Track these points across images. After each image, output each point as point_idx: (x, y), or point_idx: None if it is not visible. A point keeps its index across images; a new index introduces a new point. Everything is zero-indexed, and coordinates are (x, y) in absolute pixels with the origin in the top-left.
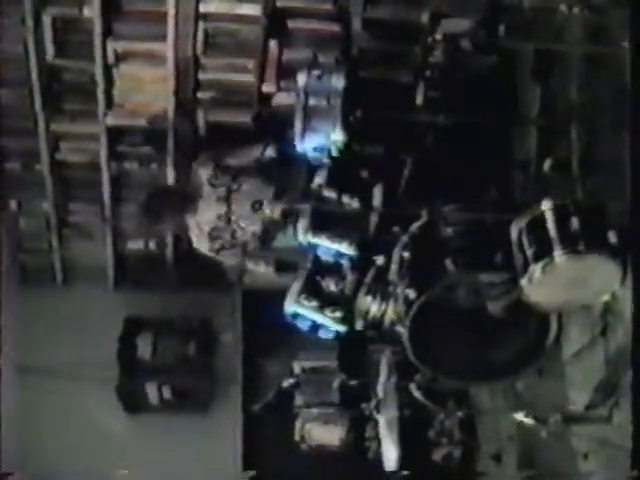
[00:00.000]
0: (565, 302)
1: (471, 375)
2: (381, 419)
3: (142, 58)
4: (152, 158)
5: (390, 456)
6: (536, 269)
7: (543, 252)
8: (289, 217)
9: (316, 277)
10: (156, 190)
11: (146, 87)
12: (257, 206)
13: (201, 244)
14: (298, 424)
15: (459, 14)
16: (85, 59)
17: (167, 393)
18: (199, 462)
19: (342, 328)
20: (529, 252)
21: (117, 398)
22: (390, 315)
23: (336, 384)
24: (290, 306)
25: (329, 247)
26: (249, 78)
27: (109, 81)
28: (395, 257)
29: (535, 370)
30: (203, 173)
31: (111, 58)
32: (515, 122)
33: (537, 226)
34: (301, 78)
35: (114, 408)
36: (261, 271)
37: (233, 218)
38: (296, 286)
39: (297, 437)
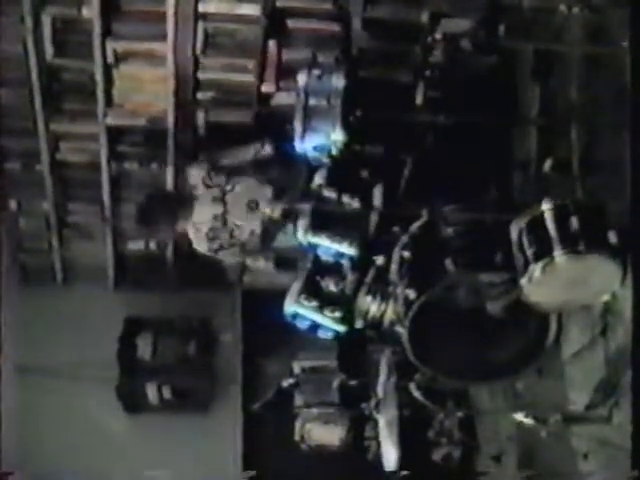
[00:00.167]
0: (565, 302)
1: (471, 375)
2: (381, 419)
3: (142, 58)
4: (152, 158)
5: (390, 456)
6: (536, 269)
7: (543, 252)
8: (289, 217)
9: (316, 277)
10: (150, 196)
11: (146, 87)
12: (253, 206)
13: (200, 245)
14: (298, 424)
15: (459, 14)
16: (85, 59)
17: (167, 393)
18: (199, 462)
19: (342, 328)
20: (529, 252)
21: (117, 398)
22: (390, 315)
23: (336, 384)
24: (290, 306)
25: (329, 247)
26: (249, 78)
27: (109, 81)
28: (395, 257)
29: (535, 370)
30: (198, 174)
31: (111, 58)
32: (515, 122)
33: (537, 226)
34: (301, 78)
35: (114, 408)
36: (261, 267)
37: (230, 218)
38: (296, 286)
39: (297, 437)
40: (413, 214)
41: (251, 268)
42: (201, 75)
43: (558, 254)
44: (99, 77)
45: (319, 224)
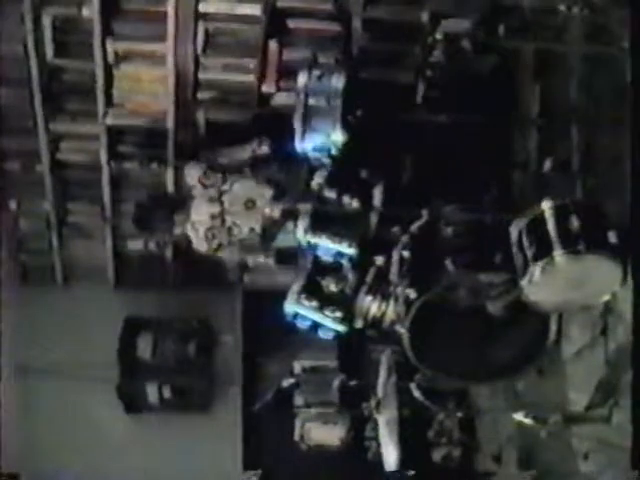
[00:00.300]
0: (565, 302)
1: (471, 375)
2: (381, 419)
3: (142, 58)
4: (152, 158)
5: (390, 456)
6: (536, 269)
7: (543, 252)
8: (289, 217)
9: (316, 277)
10: (148, 198)
11: (146, 87)
12: (250, 205)
13: (199, 244)
14: (298, 424)
15: (459, 14)
16: (85, 59)
17: (167, 393)
18: (199, 462)
19: (342, 328)
20: (529, 252)
21: (117, 398)
22: (390, 315)
23: (336, 384)
24: (290, 306)
25: (329, 247)
26: (249, 78)
27: (109, 81)
28: (395, 257)
29: (535, 370)
30: (195, 173)
31: (111, 58)
32: (515, 122)
33: (537, 226)
34: (301, 78)
35: (114, 408)
36: (261, 263)
37: (228, 217)
38: (296, 286)
39: (297, 437)
40: (413, 214)
41: (252, 265)
42: (201, 75)
43: (558, 254)
44: (99, 77)
45: (319, 224)
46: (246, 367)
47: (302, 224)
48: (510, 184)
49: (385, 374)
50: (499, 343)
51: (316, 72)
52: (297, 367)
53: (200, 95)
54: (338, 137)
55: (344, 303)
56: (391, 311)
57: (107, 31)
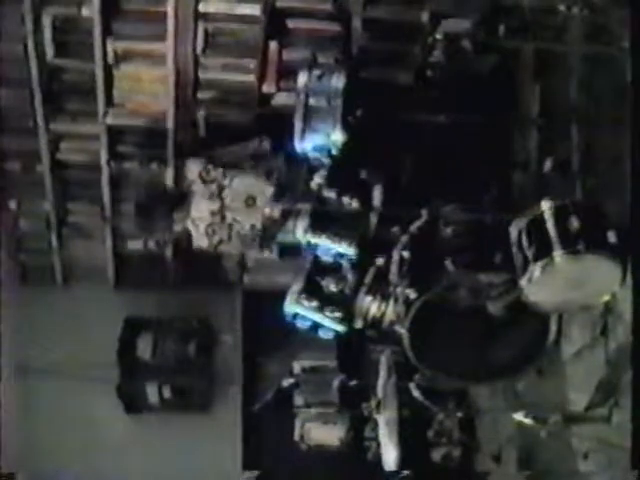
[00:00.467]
0: (565, 302)
1: (471, 375)
2: (381, 419)
3: (142, 58)
4: (152, 158)
5: (389, 456)
6: (536, 269)
7: (543, 252)
8: (289, 217)
9: (316, 277)
10: (148, 193)
11: (146, 87)
12: (250, 202)
13: (200, 240)
14: (298, 424)
15: (459, 14)
16: (85, 59)
17: (167, 393)
18: (199, 462)
19: (342, 328)
20: (529, 252)
21: (117, 398)
22: (390, 315)
23: (336, 384)
24: (290, 306)
25: (329, 247)
26: (249, 78)
27: (109, 81)
28: (395, 257)
29: (535, 370)
30: (195, 169)
31: (111, 58)
32: (515, 122)
33: (537, 226)
34: (301, 78)
35: (114, 408)
36: (264, 257)
37: (228, 214)
38: (296, 286)
39: (297, 437)
40: (413, 214)
41: (254, 260)
42: (201, 75)
43: (558, 254)
44: (99, 77)
45: (319, 224)
46: (246, 367)
47: (302, 224)
48: (510, 184)
49: (385, 374)
50: (499, 343)
51: (316, 72)
52: (297, 367)
53: (200, 95)
54: (338, 137)
55: (344, 303)
56: (391, 311)
57: (107, 31)
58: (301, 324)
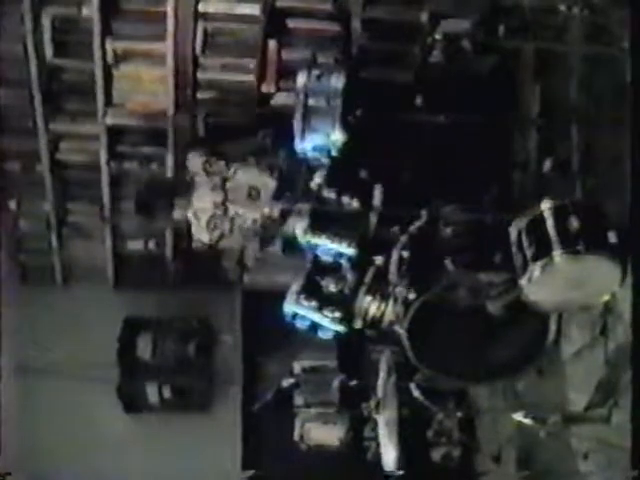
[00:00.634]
0: (564, 302)
1: (471, 375)
2: (380, 419)
3: (142, 58)
4: (152, 158)
5: (389, 456)
6: (535, 269)
7: (543, 252)
8: (288, 217)
9: (315, 277)
10: (149, 183)
11: (146, 87)
12: (254, 193)
13: (201, 234)
14: (297, 424)
15: (459, 14)
16: (85, 59)
17: (167, 393)
18: (199, 462)
19: (341, 328)
20: (529, 252)
21: (117, 398)
22: (389, 315)
23: (336, 384)
24: (290, 306)
25: (329, 247)
26: (249, 78)
27: (109, 81)
28: (394, 257)
29: (535, 370)
30: (198, 160)
31: (111, 58)
32: (515, 122)
33: (537, 226)
34: (301, 78)
35: (114, 408)
36: (268, 252)
37: (230, 206)
38: (295, 286)
39: (297, 437)
40: (412, 214)
41: (254, 260)
42: (201, 75)
43: (557, 254)
44: (99, 77)
45: (319, 224)
46: (246, 367)
47: (302, 224)
48: (510, 184)
49: (385, 374)
50: (499, 343)
51: (315, 72)
52: (297, 367)
53: (200, 95)
54: (338, 137)
55: (343, 303)
56: (390, 311)
57: (107, 31)
58: (300, 324)
